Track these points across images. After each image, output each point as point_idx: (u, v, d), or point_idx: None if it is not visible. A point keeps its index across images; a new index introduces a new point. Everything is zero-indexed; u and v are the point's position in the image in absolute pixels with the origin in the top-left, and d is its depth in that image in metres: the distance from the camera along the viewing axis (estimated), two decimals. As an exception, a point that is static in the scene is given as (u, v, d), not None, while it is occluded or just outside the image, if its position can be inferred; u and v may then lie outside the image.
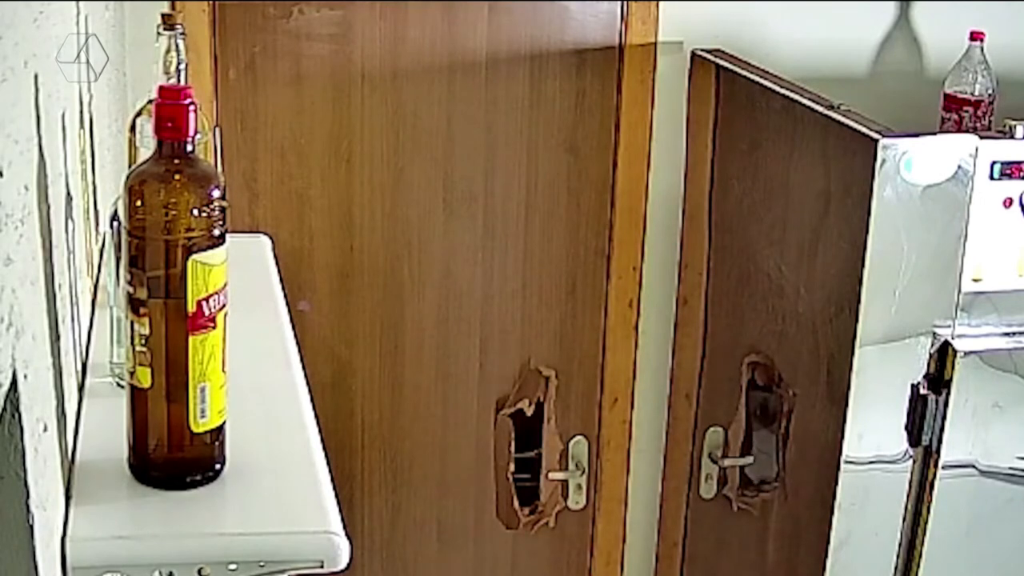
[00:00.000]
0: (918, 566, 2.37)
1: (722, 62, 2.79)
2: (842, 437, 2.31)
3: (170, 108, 1.20)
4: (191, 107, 1.22)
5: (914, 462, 2.33)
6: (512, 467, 3.08)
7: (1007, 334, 2.31)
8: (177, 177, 1.22)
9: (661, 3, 2.81)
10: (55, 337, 1.20)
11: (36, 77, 1.14)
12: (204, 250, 1.21)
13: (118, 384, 1.44)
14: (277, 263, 2.13)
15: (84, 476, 1.26)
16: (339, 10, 2.73)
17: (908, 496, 2.35)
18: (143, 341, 1.22)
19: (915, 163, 2.19)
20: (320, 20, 2.73)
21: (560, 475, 3.09)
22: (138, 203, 1.21)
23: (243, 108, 2.74)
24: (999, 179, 2.23)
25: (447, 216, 2.92)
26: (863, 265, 2.22)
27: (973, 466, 2.35)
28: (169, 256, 1.20)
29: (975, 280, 2.26)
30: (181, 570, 1.18)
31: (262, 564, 1.20)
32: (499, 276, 2.99)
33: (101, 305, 1.63)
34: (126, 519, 1.22)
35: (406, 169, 2.85)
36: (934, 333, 2.27)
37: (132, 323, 1.23)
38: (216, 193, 1.22)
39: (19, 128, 1.04)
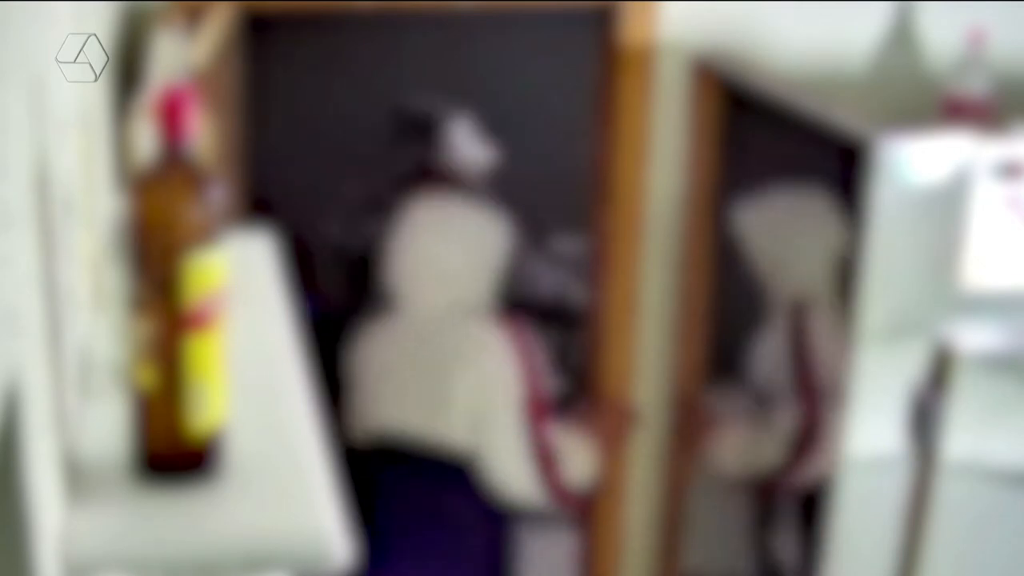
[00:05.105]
0: (918, 567, 2.37)
1: (722, 63, 2.79)
2: (842, 437, 2.31)
3: (170, 108, 1.20)
4: (191, 107, 1.21)
5: (914, 463, 2.33)
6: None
7: (1007, 335, 2.31)
8: (177, 177, 1.22)
9: (661, 3, 2.80)
10: (55, 337, 1.20)
11: (36, 77, 1.14)
12: (204, 250, 1.21)
13: (118, 384, 1.43)
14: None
15: (84, 476, 1.26)
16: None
17: (908, 497, 2.35)
18: (143, 341, 1.22)
19: (915, 164, 2.19)
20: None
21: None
22: (138, 203, 1.21)
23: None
24: (999, 179, 2.23)
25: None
26: (863, 266, 2.21)
27: (973, 467, 2.35)
28: (169, 256, 1.20)
29: (975, 281, 2.26)
30: (181, 570, 1.18)
31: (263, 564, 1.20)
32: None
33: (101, 305, 1.63)
34: (126, 519, 1.22)
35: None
36: (934, 334, 2.27)
37: (132, 323, 1.23)
38: (216, 193, 1.22)
39: (19, 129, 1.04)
